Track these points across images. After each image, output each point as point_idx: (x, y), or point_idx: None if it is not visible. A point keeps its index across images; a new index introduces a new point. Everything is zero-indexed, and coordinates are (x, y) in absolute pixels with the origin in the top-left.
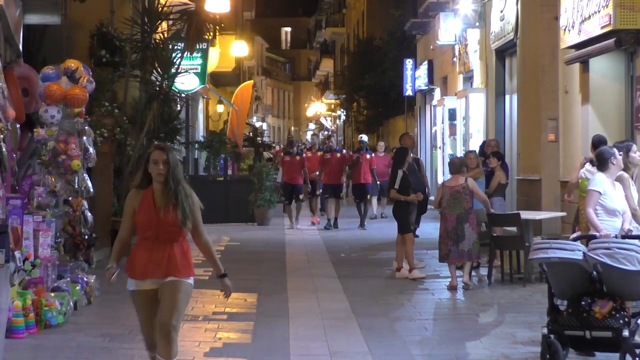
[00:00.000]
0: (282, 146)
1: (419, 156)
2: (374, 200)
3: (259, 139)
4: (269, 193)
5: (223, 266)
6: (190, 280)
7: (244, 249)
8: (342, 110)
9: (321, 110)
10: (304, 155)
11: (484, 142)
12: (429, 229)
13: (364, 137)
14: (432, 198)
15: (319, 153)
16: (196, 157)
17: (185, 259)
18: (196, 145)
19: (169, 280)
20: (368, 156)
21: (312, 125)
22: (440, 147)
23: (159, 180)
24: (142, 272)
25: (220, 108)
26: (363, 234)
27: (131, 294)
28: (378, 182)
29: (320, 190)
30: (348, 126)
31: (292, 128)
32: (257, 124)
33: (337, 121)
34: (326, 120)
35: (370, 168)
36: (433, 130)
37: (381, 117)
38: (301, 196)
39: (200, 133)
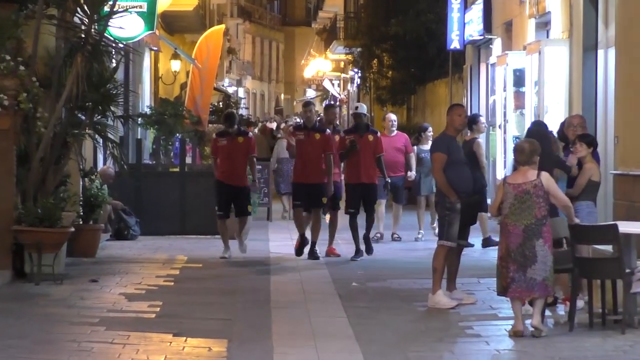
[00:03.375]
0: (267, 121)
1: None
2: (381, 208)
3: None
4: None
5: (174, 300)
6: None
7: (209, 274)
8: (355, 70)
9: (325, 69)
10: (251, 136)
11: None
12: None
13: (362, 108)
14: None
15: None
16: (139, 137)
17: None
18: (140, 120)
19: None
20: (371, 137)
21: (311, 92)
22: (500, 126)
23: None
24: None
25: (175, 65)
26: (385, 254)
27: None
28: (387, 180)
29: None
30: (365, 94)
31: (282, 96)
32: (231, 90)
33: (349, 86)
34: (333, 85)
35: (375, 156)
36: (490, 101)
37: (414, 82)
38: (250, 207)
39: (145, 102)
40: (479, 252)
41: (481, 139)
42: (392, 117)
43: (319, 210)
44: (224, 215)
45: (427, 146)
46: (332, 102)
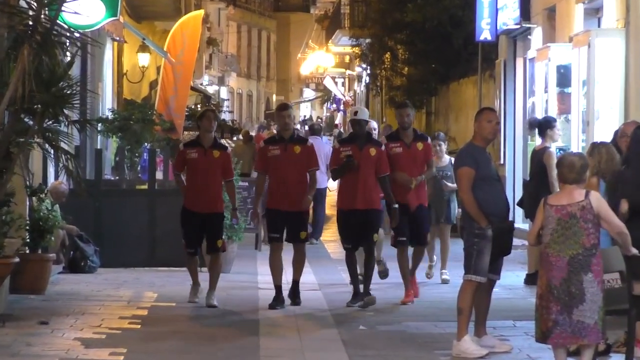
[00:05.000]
0: (262, 129)
1: (503, 149)
2: (379, 241)
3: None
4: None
5: (141, 347)
6: None
7: (184, 315)
8: (363, 66)
9: (327, 65)
10: (229, 152)
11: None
12: (517, 280)
13: (363, 113)
14: (521, 227)
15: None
16: (99, 147)
17: None
18: (100, 126)
19: None
20: (374, 151)
21: (309, 92)
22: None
23: None
24: None
25: (143, 59)
26: (398, 291)
27: None
28: (395, 205)
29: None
30: (375, 95)
31: (274, 97)
32: (211, 90)
33: (356, 86)
34: (336, 83)
35: (379, 176)
36: (529, 104)
37: (435, 80)
38: (220, 241)
39: (107, 104)
40: (517, 290)
41: (553, 148)
42: (373, 124)
43: (302, 245)
44: (195, 253)
45: (438, 162)
46: (332, 108)
